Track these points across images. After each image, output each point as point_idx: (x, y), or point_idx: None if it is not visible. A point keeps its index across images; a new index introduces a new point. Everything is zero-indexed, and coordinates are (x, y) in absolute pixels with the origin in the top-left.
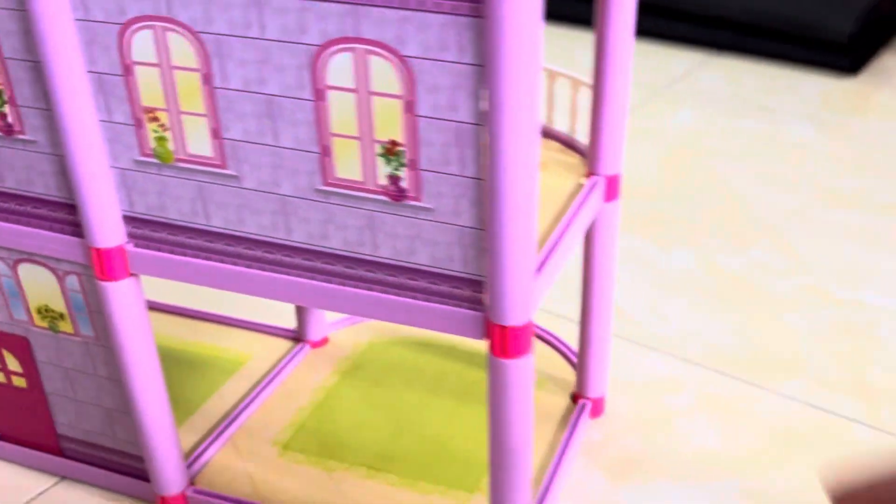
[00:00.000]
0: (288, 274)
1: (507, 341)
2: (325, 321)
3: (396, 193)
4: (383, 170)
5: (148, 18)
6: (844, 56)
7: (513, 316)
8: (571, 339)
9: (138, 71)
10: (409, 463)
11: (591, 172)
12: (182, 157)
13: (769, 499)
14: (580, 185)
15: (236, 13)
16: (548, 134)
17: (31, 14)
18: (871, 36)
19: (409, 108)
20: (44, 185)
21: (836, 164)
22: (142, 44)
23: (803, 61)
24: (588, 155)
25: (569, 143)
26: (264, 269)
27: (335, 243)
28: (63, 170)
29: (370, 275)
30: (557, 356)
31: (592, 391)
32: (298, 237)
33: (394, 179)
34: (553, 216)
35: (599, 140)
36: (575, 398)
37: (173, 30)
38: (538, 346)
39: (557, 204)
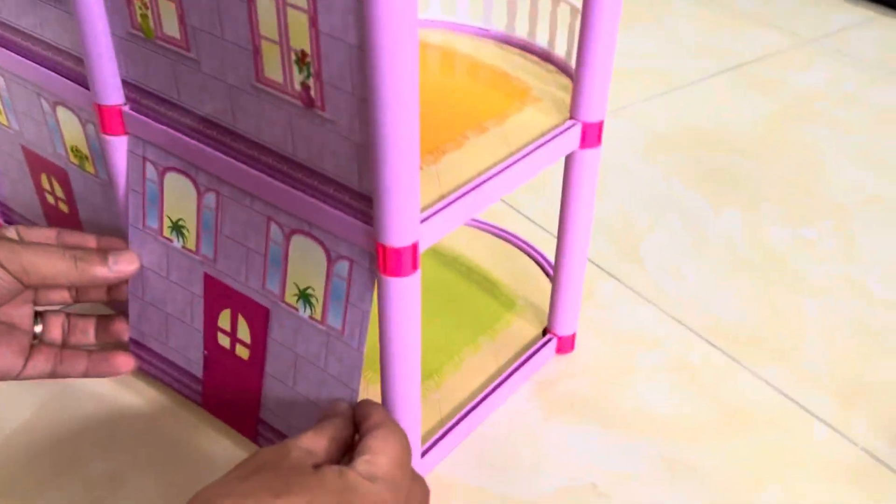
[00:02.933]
0: (233, 157)
1: (387, 260)
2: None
3: (307, 100)
4: (297, 77)
5: None
6: None
7: (392, 238)
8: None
9: None
10: None
11: (570, 115)
12: (159, 35)
13: (685, 468)
14: (553, 127)
15: None
16: (559, 65)
17: None
18: None
19: (314, 23)
20: (70, 42)
21: None
22: None
23: None
24: (571, 96)
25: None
26: (217, 149)
27: (267, 138)
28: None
29: (292, 172)
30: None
31: (560, 328)
32: (241, 127)
33: (305, 88)
34: (505, 153)
35: (581, 85)
36: (545, 332)
37: None
38: (539, 277)
39: (515, 143)
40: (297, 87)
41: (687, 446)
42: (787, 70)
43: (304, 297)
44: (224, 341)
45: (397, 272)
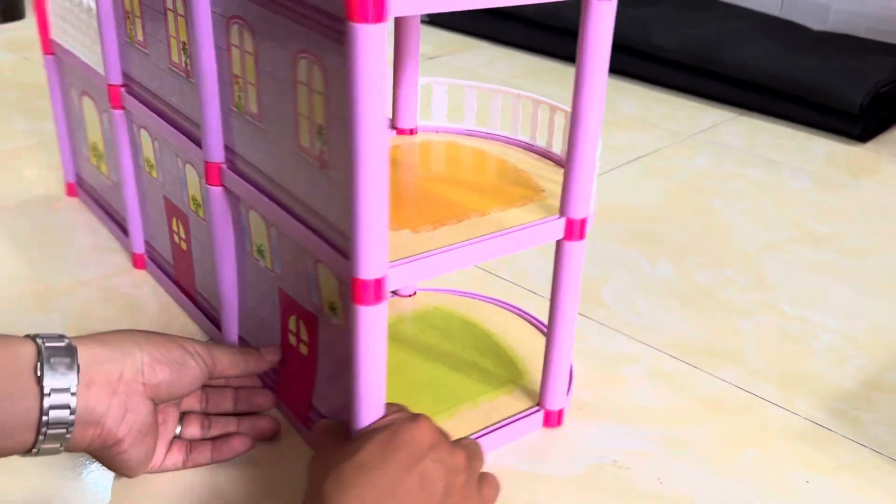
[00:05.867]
0: (282, 207)
1: (357, 290)
2: (416, 283)
3: (322, 162)
4: (317, 145)
5: (236, 17)
6: (855, 125)
7: (362, 271)
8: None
9: (233, 50)
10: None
11: (560, 212)
12: (246, 111)
13: (681, 443)
14: (532, 220)
15: (266, 24)
16: (558, 162)
17: (191, 4)
18: (886, 109)
19: (328, 102)
20: (196, 115)
21: (821, 212)
22: (235, 33)
23: (818, 126)
24: (561, 195)
25: None
26: (272, 199)
27: (299, 192)
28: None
29: (312, 218)
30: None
31: (549, 404)
32: (288, 184)
33: (321, 153)
34: (482, 232)
35: (567, 186)
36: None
37: (245, 26)
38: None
39: (497, 225)
40: (318, 152)
41: (678, 428)
42: (677, 159)
43: (332, 309)
44: (293, 340)
45: (364, 301)
